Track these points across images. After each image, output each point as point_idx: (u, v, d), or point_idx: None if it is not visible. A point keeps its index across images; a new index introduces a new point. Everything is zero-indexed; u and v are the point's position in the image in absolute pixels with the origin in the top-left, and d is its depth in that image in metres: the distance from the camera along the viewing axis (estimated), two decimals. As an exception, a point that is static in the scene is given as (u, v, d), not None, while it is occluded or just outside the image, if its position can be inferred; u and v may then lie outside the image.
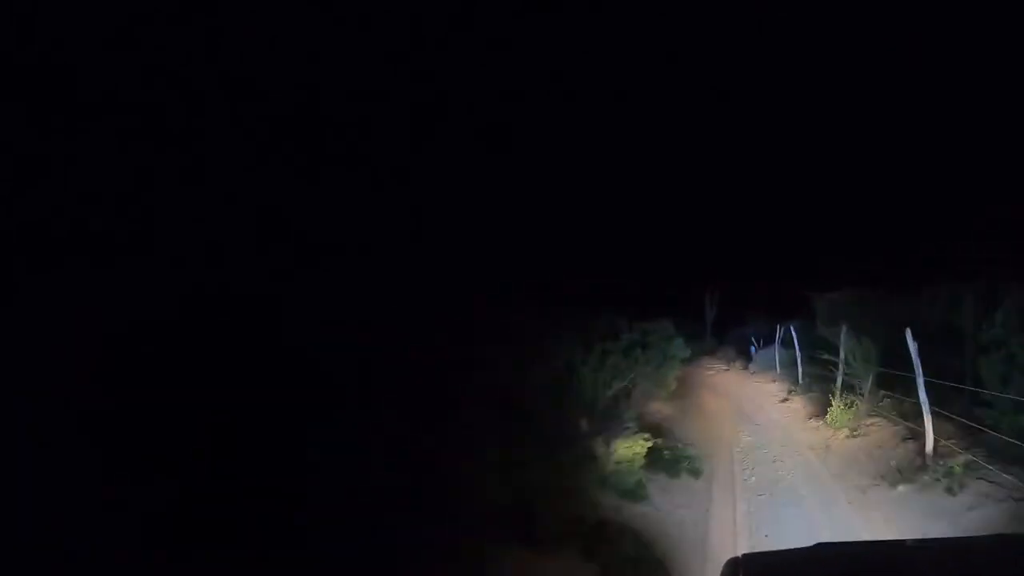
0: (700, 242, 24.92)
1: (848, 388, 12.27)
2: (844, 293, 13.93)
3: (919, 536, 5.94)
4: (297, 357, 6.26)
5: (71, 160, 5.64)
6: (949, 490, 8.19)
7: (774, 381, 18.39)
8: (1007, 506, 7.21)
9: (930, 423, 9.04)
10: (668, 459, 10.03)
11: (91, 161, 5.69)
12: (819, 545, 2.36)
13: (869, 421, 11.36)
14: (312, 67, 8.42)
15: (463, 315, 8.14)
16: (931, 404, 9.09)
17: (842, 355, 12.23)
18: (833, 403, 12.08)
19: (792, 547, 2.45)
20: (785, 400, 15.91)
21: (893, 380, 10.85)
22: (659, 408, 13.52)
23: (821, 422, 12.52)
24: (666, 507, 8.63)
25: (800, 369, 16.07)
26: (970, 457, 8.40)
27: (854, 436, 11.16)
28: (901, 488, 8.81)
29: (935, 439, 9.02)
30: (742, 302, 24.58)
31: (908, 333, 9.20)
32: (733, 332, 24.59)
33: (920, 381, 9.12)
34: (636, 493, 8.50)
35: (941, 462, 8.75)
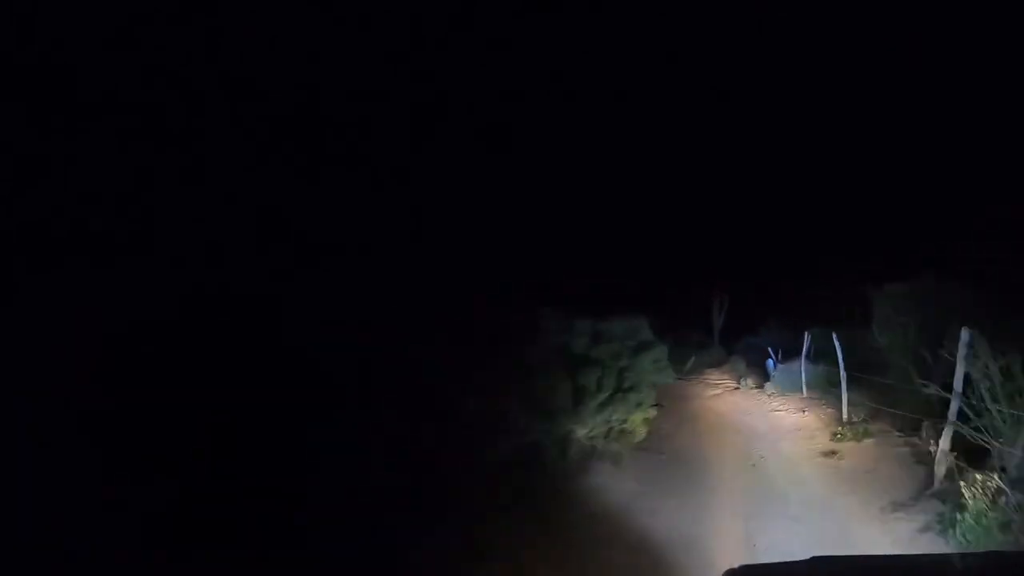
0: (705, 241, 22.48)
1: (970, 450, 6.20)
2: (918, 284, 9.18)
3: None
4: (297, 357, 6.26)
5: (71, 160, 5.64)
6: None
7: (803, 411, 11.58)
8: None
9: None
10: None
11: (91, 161, 5.69)
12: (816, 559, 2.34)
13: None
14: (312, 67, 8.42)
15: (461, 315, 8.14)
16: None
17: (958, 384, 6.31)
18: (970, 495, 5.56)
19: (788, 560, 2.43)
20: (833, 453, 8.56)
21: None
22: (608, 477, 7.66)
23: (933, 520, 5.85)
24: None
25: (845, 396, 10.12)
26: None
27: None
28: None
29: None
30: (753, 307, 20.42)
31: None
32: (743, 341, 20.18)
33: None
34: None
35: None
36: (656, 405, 9.45)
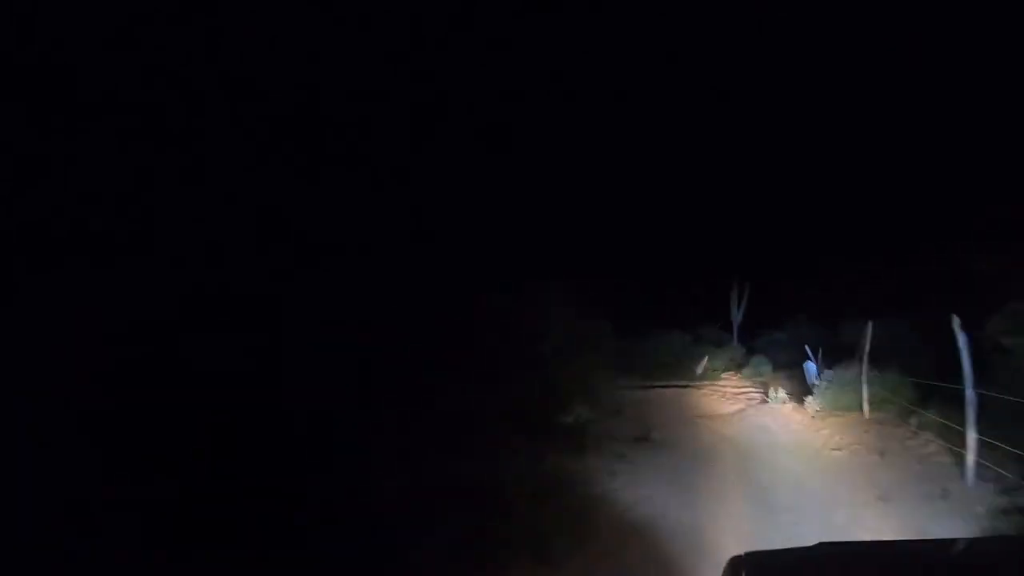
0: (717, 226, 20.13)
1: None
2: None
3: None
4: (297, 357, 6.26)
5: (71, 160, 5.64)
6: None
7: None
8: None
9: None
10: None
11: (91, 161, 5.69)
12: (821, 544, 2.35)
13: None
14: (312, 67, 8.42)
15: (462, 315, 8.14)
16: None
17: None
18: None
19: (793, 546, 2.43)
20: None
21: None
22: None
23: None
24: None
25: (972, 435, 5.87)
26: None
27: None
28: None
29: None
30: (777, 296, 17.06)
31: None
32: (766, 337, 16.45)
33: None
34: None
35: None
36: (642, 438, 7.89)
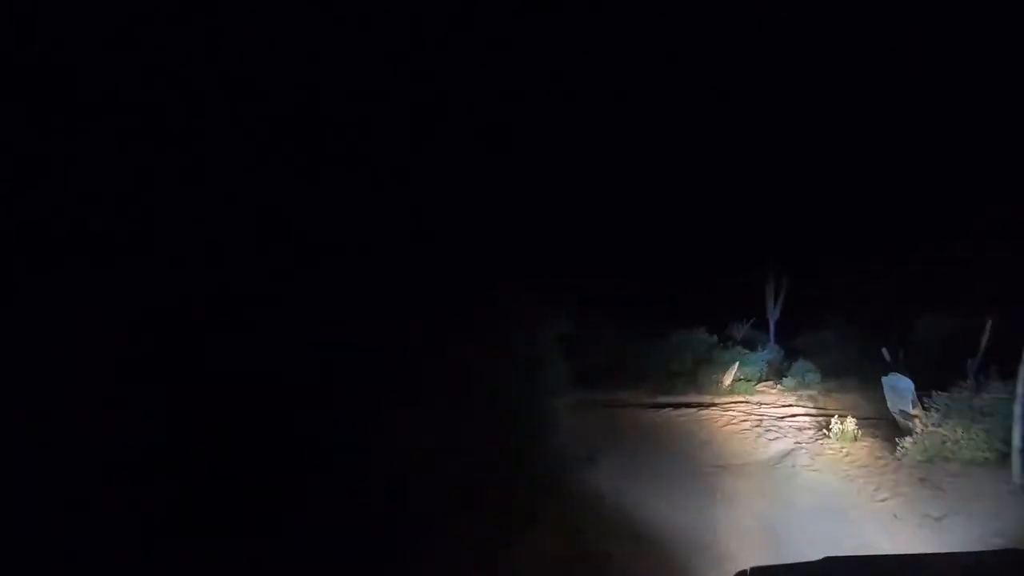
0: (738, 223, 18.68)
1: None
2: None
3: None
4: (297, 357, 6.26)
5: (71, 160, 5.64)
6: None
7: None
8: None
9: None
10: None
11: (91, 161, 5.69)
12: (827, 559, 2.33)
13: None
14: (312, 67, 8.41)
15: (463, 315, 8.15)
16: None
17: None
18: None
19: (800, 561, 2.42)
20: None
21: None
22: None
23: None
24: None
25: None
26: None
27: None
28: None
29: None
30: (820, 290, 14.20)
31: None
32: (807, 336, 13.38)
33: None
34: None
35: None
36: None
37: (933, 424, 6.33)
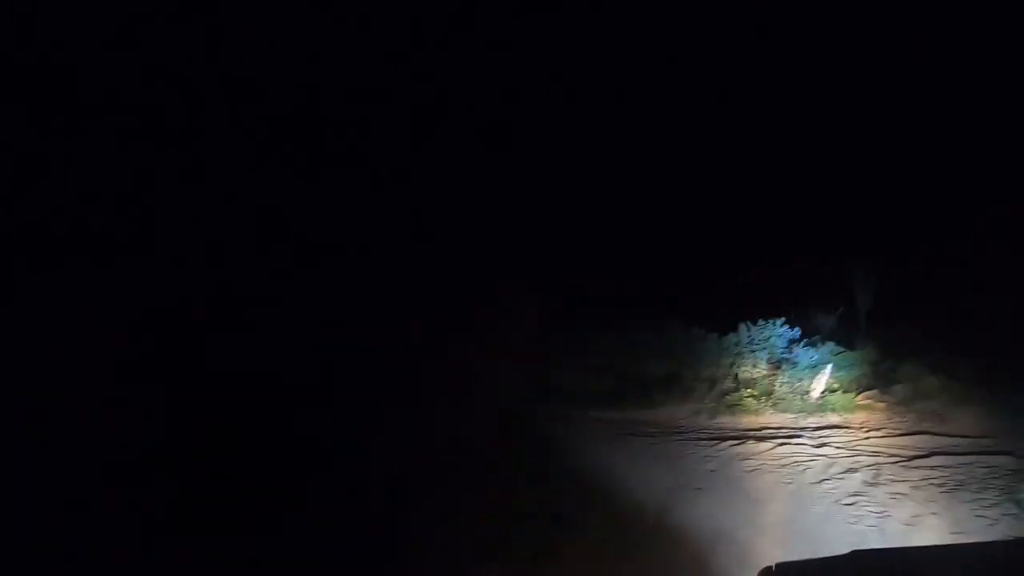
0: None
1: None
2: None
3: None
4: (297, 357, 6.26)
5: (71, 160, 5.65)
6: None
7: None
8: None
9: None
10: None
11: (91, 161, 5.69)
12: (854, 553, 2.31)
13: None
14: (312, 67, 8.42)
15: (462, 315, 8.15)
16: None
17: None
18: None
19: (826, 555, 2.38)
20: None
21: None
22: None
23: None
24: None
25: None
26: None
27: None
28: None
29: None
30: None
31: None
32: (902, 329, 9.68)
33: None
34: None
35: None
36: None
37: None
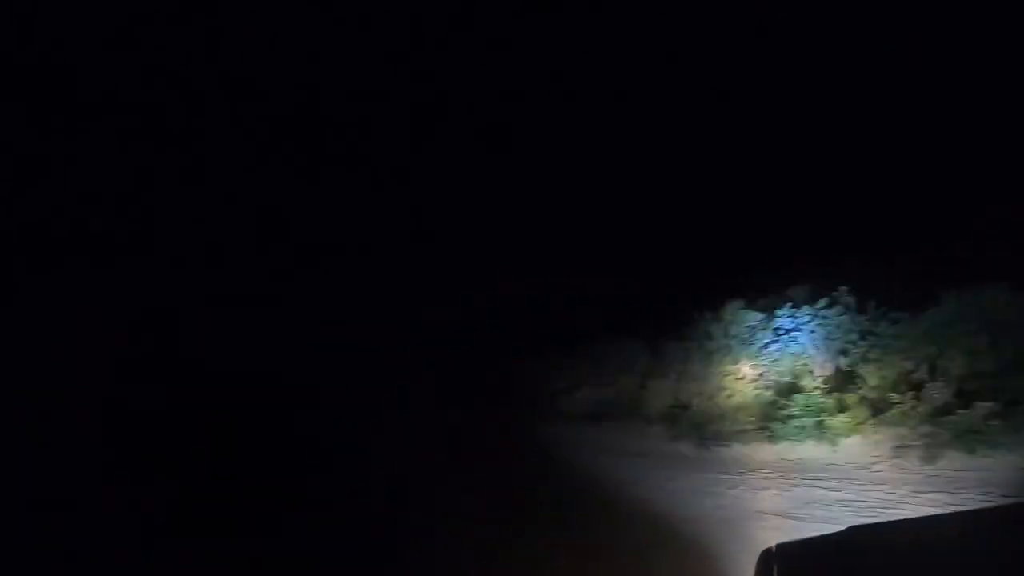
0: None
1: None
2: None
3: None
4: (297, 357, 6.26)
5: (71, 160, 5.65)
6: None
7: None
8: None
9: None
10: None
11: (91, 161, 5.69)
12: (852, 529, 2.32)
13: None
14: (312, 67, 8.41)
15: (462, 315, 8.14)
16: None
17: None
18: None
19: (824, 532, 2.39)
20: None
21: None
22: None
23: None
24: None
25: None
26: None
27: None
28: None
29: None
30: None
31: None
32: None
33: None
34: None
35: None
36: None
37: None
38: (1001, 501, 4.45)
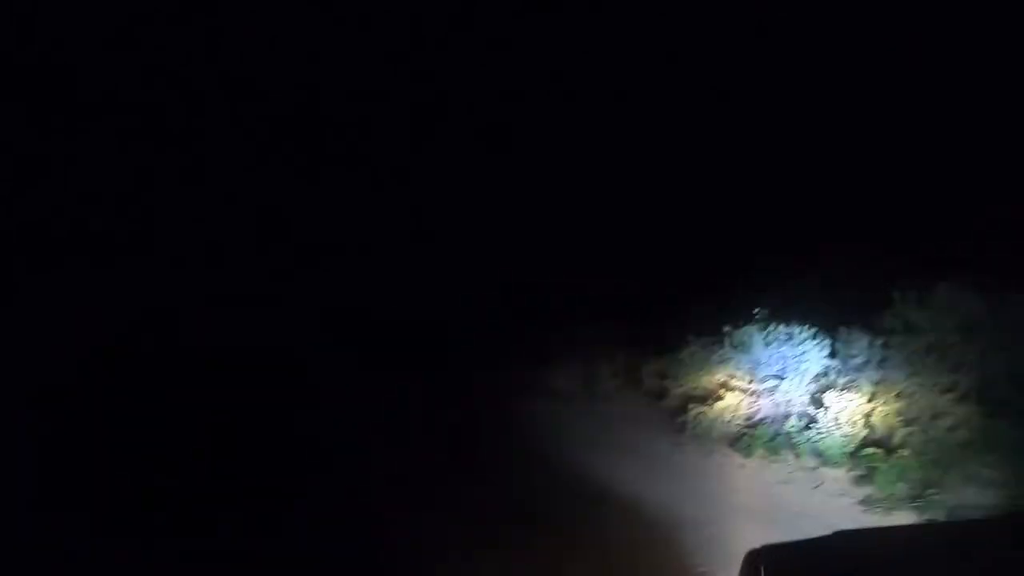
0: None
1: None
2: None
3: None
4: (297, 358, 6.27)
5: (71, 160, 5.65)
6: None
7: None
8: None
9: None
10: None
11: (91, 161, 5.70)
12: (838, 533, 2.32)
13: None
14: (312, 67, 8.42)
15: (462, 315, 8.15)
16: None
17: None
18: None
19: (811, 536, 2.39)
20: None
21: None
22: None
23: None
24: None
25: None
26: None
27: None
28: None
29: None
30: None
31: None
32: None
33: None
34: None
35: None
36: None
37: None
38: (989, 513, 4.62)
